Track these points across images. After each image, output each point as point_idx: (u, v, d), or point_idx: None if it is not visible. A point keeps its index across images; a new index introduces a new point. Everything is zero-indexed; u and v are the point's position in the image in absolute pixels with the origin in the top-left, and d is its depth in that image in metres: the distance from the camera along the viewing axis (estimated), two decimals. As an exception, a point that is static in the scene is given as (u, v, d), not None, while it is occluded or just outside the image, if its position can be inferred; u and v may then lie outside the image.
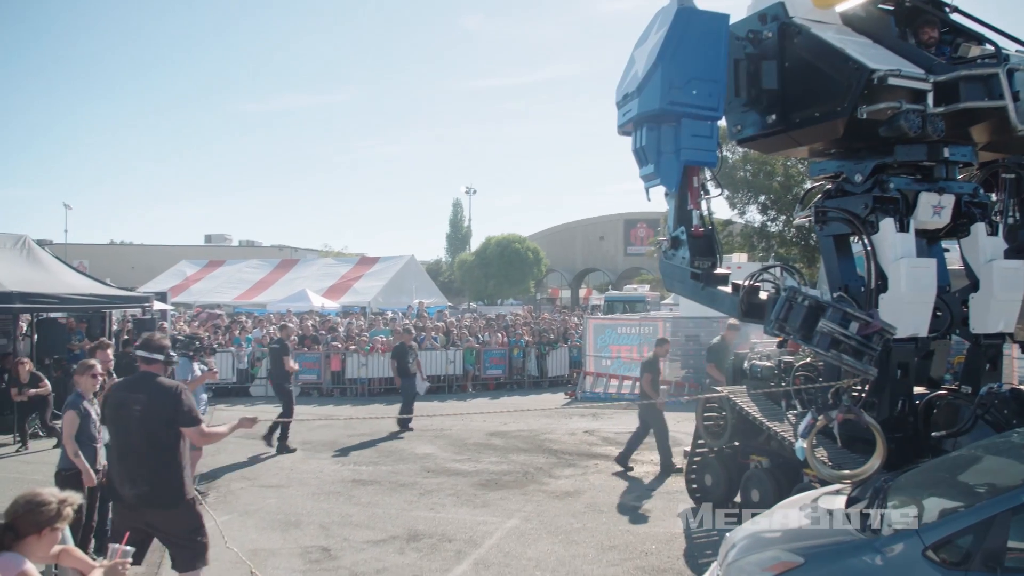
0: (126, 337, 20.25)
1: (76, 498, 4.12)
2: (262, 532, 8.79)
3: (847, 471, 6.48)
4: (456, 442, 14.04)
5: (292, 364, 14.47)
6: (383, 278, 36.54)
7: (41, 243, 16.91)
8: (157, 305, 19.15)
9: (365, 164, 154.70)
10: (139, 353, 5.95)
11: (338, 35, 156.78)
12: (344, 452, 13.19)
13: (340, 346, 21.42)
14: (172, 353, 6.15)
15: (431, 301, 36.21)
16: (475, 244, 67.12)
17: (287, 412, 13.73)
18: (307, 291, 33.09)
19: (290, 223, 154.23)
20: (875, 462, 6.21)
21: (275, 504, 9.94)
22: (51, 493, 4.01)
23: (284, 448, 13.27)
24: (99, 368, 7.25)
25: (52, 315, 17.46)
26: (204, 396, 10.66)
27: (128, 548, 4.53)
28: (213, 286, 38.86)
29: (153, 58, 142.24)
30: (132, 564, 4.57)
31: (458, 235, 72.49)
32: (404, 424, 15.13)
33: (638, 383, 19.80)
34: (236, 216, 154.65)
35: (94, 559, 4.95)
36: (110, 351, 8.37)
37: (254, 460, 12.56)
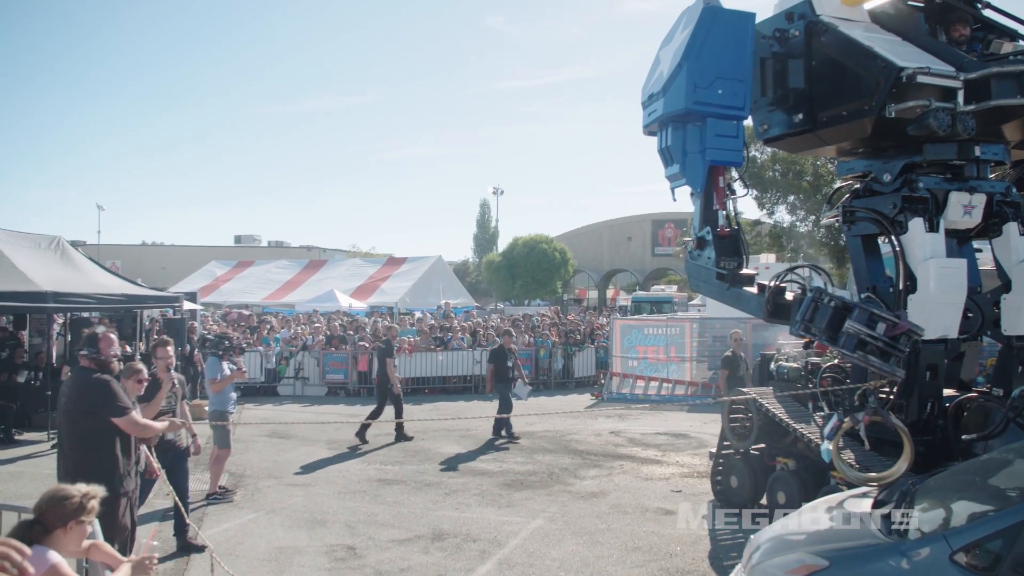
0: (155, 337, 20.58)
1: (99, 491, 4.18)
2: (288, 530, 8.86)
3: (874, 474, 6.41)
4: (481, 442, 14.06)
5: (392, 367, 14.73)
6: (410, 279, 36.64)
7: (75, 244, 17.19)
8: (187, 305, 19.38)
9: (392, 165, 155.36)
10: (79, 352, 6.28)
11: (363, 37, 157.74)
12: (370, 451, 13.25)
13: (368, 346, 21.52)
14: (107, 351, 6.29)
15: (458, 302, 36.27)
16: (502, 245, 67.10)
17: (379, 411, 14.35)
18: (335, 291, 33.27)
19: (318, 224, 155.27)
20: (902, 465, 6.13)
21: (301, 502, 10.02)
22: (75, 488, 4.08)
23: (402, 436, 14.25)
24: (145, 373, 7.23)
25: (84, 315, 17.70)
26: (233, 395, 10.74)
27: (155, 543, 4.60)
28: (242, 286, 39.19)
29: (183, 60, 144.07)
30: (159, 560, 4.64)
31: (485, 235, 72.50)
32: (499, 428, 14.36)
33: (665, 384, 19.83)
34: (265, 217, 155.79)
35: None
36: (170, 348, 8.31)
37: (281, 459, 12.66)
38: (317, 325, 24.59)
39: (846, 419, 6.44)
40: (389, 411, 14.51)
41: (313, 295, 34.10)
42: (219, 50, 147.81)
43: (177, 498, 7.28)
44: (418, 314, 30.10)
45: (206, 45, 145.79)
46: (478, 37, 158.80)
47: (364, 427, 14.04)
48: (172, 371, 8.07)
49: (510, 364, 14.97)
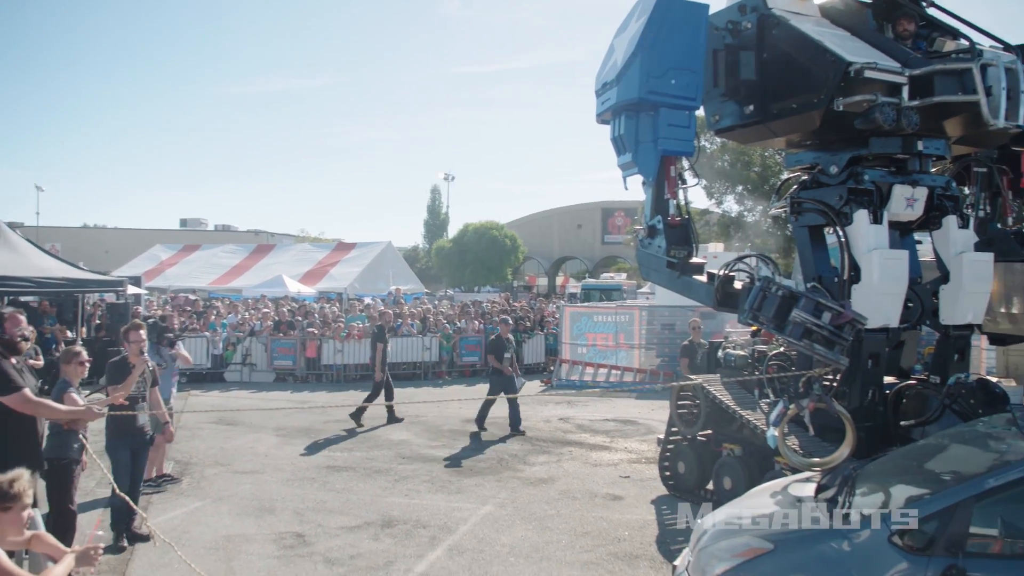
0: (98, 322, 20.12)
1: (21, 474, 4.10)
2: (236, 518, 8.76)
3: (817, 459, 6.57)
4: (431, 428, 14.06)
5: (382, 356, 14.81)
6: (360, 264, 36.32)
7: (12, 225, 16.64)
8: (131, 289, 18.97)
9: (343, 149, 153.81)
10: None
11: (316, 19, 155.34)
12: (319, 438, 13.15)
13: (316, 332, 21.32)
14: (12, 331, 6.15)
15: (408, 288, 36.08)
16: (453, 231, 67.07)
17: (373, 395, 14.55)
18: (283, 276, 32.83)
19: (267, 208, 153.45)
20: (845, 450, 6.30)
21: (249, 490, 9.91)
22: None
23: (393, 418, 14.62)
24: (85, 355, 7.06)
25: (24, 299, 17.21)
26: (173, 381, 10.50)
27: (100, 533, 4.52)
28: (188, 271, 38.44)
29: (126, 39, 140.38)
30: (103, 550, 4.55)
31: (436, 221, 72.31)
32: (481, 423, 13.81)
33: (614, 371, 20.02)
34: (212, 200, 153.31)
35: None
36: (143, 331, 8.09)
37: (228, 446, 12.49)
38: (265, 311, 24.24)
39: (791, 406, 6.58)
40: (338, 397, 14.40)
41: (261, 280, 33.63)
42: (165, 27, 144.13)
43: (122, 487, 7.10)
44: (368, 300, 29.87)
45: (151, 21, 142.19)
46: (431, 22, 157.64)
47: (360, 410, 14.31)
48: (145, 355, 7.92)
49: (507, 355, 14.34)
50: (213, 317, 22.84)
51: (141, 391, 7.86)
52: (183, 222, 75.04)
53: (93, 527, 5.00)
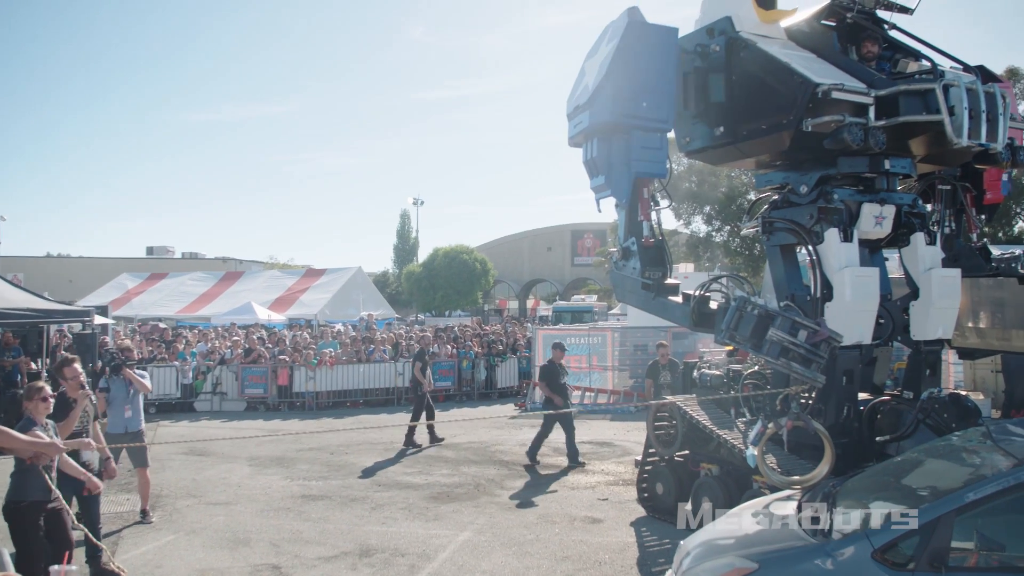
0: (63, 353, 19.74)
1: None
2: (210, 551, 8.60)
3: (797, 477, 6.60)
4: (407, 455, 13.93)
5: (421, 374, 15.46)
6: (330, 290, 36.15)
7: (-26, 256, 16.36)
8: (98, 319, 18.65)
9: (310, 175, 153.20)
10: None
11: (281, 45, 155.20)
12: (293, 467, 12.98)
13: (287, 359, 21.11)
14: None
15: (379, 313, 35.92)
16: (422, 255, 66.98)
17: (415, 415, 15.20)
18: (252, 304, 32.56)
19: (234, 235, 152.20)
20: (824, 467, 6.33)
21: (223, 522, 9.73)
22: None
23: (434, 439, 14.99)
24: (48, 391, 6.82)
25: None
26: (125, 410, 10.12)
27: (72, 568, 4.41)
28: (155, 299, 37.99)
29: (89, 66, 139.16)
30: None
31: (405, 246, 72.21)
32: (534, 455, 13.02)
33: (588, 393, 20.03)
34: (178, 228, 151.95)
35: None
36: (77, 364, 7.90)
37: (200, 477, 12.28)
38: (236, 339, 23.97)
39: (770, 425, 6.61)
40: (312, 424, 14.23)
41: (230, 307, 33.31)
42: (130, 53, 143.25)
43: (86, 523, 6.94)
44: (338, 326, 29.69)
45: (116, 48, 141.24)
46: (398, 47, 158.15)
47: (411, 431, 14.80)
48: (86, 388, 7.73)
49: (562, 381, 13.77)
50: (182, 346, 22.52)
51: (84, 425, 7.60)
52: (149, 250, 74.26)
53: (63, 562, 4.88)
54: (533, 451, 13.02)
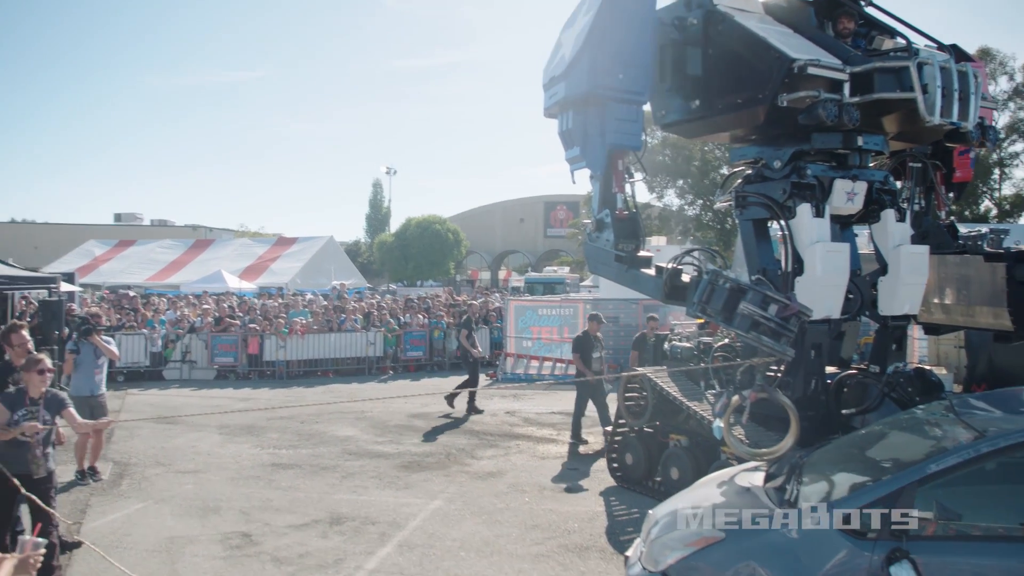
0: (30, 320, 19.44)
1: None
2: (180, 519, 8.58)
3: (762, 449, 6.69)
4: (377, 424, 13.96)
5: (467, 342, 15.88)
6: (301, 259, 35.97)
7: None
8: (64, 287, 18.39)
9: (283, 143, 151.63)
10: None
11: (253, 11, 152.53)
12: (263, 435, 12.96)
13: (258, 328, 20.98)
14: None
15: (350, 282, 35.81)
16: (395, 225, 66.75)
17: (471, 381, 15.54)
18: (223, 272, 32.29)
19: (205, 203, 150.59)
20: (790, 440, 6.42)
21: (192, 490, 9.71)
22: None
23: (472, 409, 15.13)
24: (48, 363, 6.59)
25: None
26: (96, 374, 10.12)
27: (40, 540, 4.37)
28: (123, 266, 37.56)
29: (53, 27, 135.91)
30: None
31: (378, 216, 71.85)
32: (576, 433, 12.50)
33: (559, 364, 20.10)
34: (147, 195, 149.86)
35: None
36: (25, 331, 7.78)
37: (169, 445, 12.22)
38: (206, 307, 23.75)
39: (735, 396, 6.69)
40: (282, 394, 14.19)
41: (199, 276, 33.06)
42: (95, 14, 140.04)
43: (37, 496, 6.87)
44: (309, 295, 29.53)
45: (84, 9, 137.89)
46: (373, 14, 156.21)
47: (453, 395, 15.29)
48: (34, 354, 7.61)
49: (596, 356, 13.00)
50: (151, 314, 22.29)
51: None
52: (117, 217, 73.28)
53: (32, 534, 4.84)
54: (576, 431, 12.51)
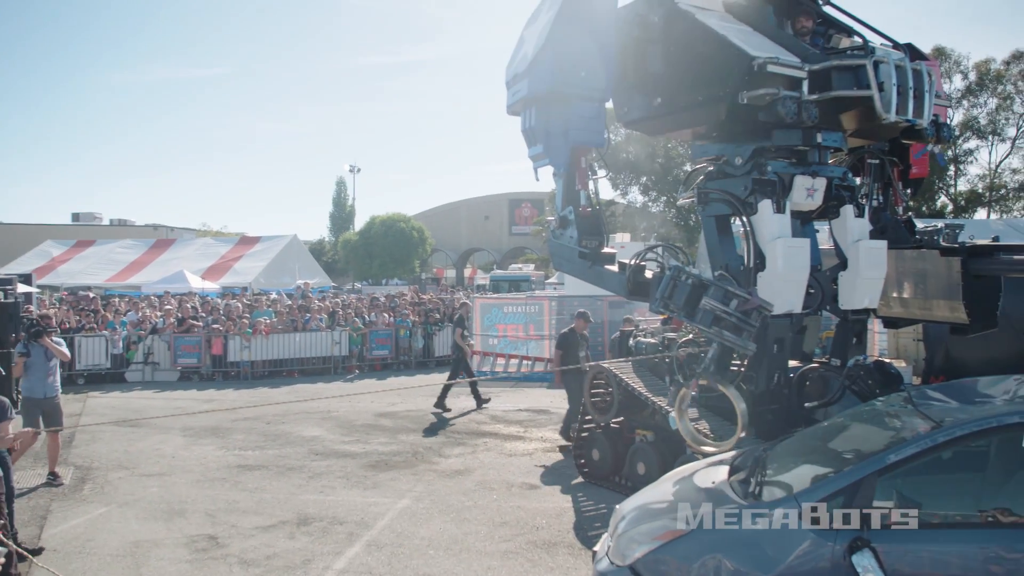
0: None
1: None
2: (144, 523, 8.47)
3: (710, 443, 6.81)
4: (344, 424, 13.89)
5: (462, 339, 16.02)
6: (265, 258, 35.57)
7: None
8: (21, 288, 18.00)
9: (244, 141, 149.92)
10: None
11: (218, 7, 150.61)
12: (228, 437, 12.83)
13: (221, 328, 20.76)
14: None
15: (315, 281, 35.52)
16: (359, 223, 66.40)
17: (464, 373, 15.96)
18: (184, 272, 31.83)
19: (165, 202, 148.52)
20: (740, 433, 6.50)
21: (157, 493, 9.59)
22: None
23: (480, 401, 15.60)
24: None
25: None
26: (48, 376, 9.99)
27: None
28: (82, 267, 36.87)
29: (9, 22, 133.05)
30: None
31: (342, 214, 71.44)
32: (567, 431, 11.83)
33: (525, 361, 20.15)
34: (106, 194, 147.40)
35: None
36: None
37: (133, 449, 12.05)
38: (168, 308, 23.43)
39: (683, 388, 6.79)
40: (246, 395, 14.06)
41: (161, 276, 32.56)
42: (53, 7, 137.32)
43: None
44: (273, 295, 29.26)
45: (38, 2, 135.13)
46: (338, 11, 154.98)
47: (444, 393, 15.30)
48: None
49: (582, 354, 12.65)
50: (112, 315, 21.93)
51: None
52: (75, 216, 72.00)
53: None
54: (565, 430, 12.07)
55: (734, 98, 6.87)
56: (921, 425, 4.96)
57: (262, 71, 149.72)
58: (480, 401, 15.58)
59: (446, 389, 15.48)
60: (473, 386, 15.86)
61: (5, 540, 6.27)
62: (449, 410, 14.94)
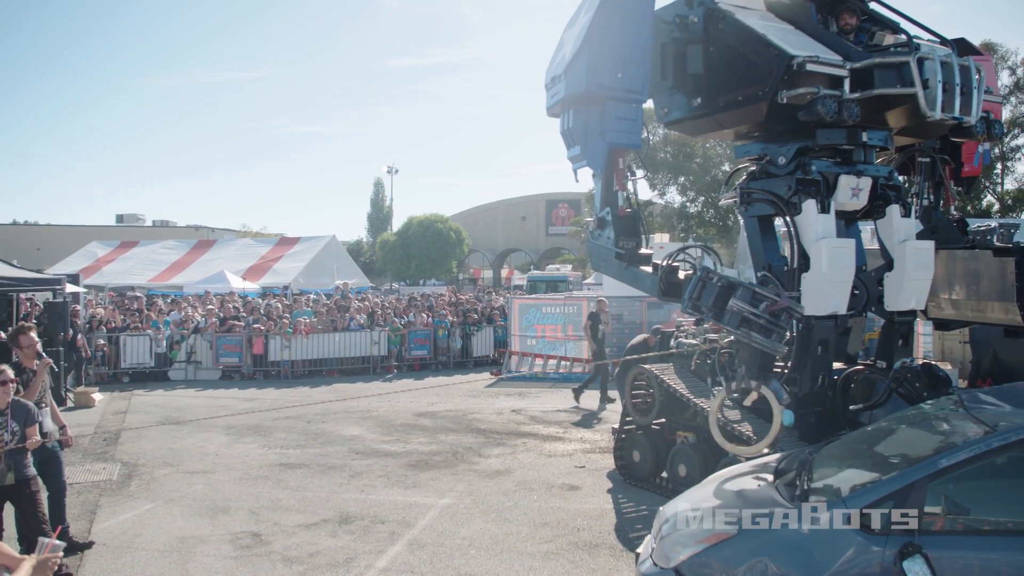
0: (35, 322, 19.48)
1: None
2: (189, 519, 8.61)
3: (744, 445, 6.77)
4: (383, 423, 13.99)
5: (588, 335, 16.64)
6: (304, 259, 35.88)
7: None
8: (69, 288, 18.40)
9: (284, 143, 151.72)
10: None
11: (254, 11, 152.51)
12: (270, 435, 12.99)
13: (262, 328, 21.01)
14: None
15: (353, 282, 35.76)
16: (397, 224, 66.80)
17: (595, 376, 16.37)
18: (225, 272, 32.24)
19: (206, 203, 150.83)
20: (770, 436, 6.44)
21: (202, 490, 9.74)
22: None
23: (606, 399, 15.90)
24: (10, 374, 6.45)
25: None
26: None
27: (58, 543, 4.41)
28: (126, 268, 37.52)
29: (57, 28, 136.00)
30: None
31: (379, 215, 71.95)
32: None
33: (564, 362, 20.13)
34: (149, 196, 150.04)
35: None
36: (33, 333, 7.72)
37: (177, 446, 12.25)
38: (210, 307, 23.76)
39: (721, 390, 6.75)
40: (287, 393, 14.20)
41: (202, 276, 32.99)
42: (97, 15, 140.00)
43: (52, 493, 6.94)
44: (313, 295, 29.54)
45: (87, 11, 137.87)
46: (373, 14, 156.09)
47: (581, 389, 15.99)
48: (44, 358, 7.59)
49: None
50: (155, 315, 22.31)
51: (42, 395, 7.40)
52: (119, 218, 73.39)
53: (52, 536, 4.89)
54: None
55: (774, 97, 6.83)
56: (974, 429, 4.86)
57: (300, 73, 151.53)
58: (605, 401, 15.90)
59: (586, 385, 16.12)
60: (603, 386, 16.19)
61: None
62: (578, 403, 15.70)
